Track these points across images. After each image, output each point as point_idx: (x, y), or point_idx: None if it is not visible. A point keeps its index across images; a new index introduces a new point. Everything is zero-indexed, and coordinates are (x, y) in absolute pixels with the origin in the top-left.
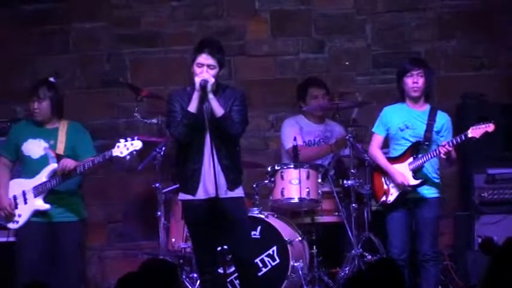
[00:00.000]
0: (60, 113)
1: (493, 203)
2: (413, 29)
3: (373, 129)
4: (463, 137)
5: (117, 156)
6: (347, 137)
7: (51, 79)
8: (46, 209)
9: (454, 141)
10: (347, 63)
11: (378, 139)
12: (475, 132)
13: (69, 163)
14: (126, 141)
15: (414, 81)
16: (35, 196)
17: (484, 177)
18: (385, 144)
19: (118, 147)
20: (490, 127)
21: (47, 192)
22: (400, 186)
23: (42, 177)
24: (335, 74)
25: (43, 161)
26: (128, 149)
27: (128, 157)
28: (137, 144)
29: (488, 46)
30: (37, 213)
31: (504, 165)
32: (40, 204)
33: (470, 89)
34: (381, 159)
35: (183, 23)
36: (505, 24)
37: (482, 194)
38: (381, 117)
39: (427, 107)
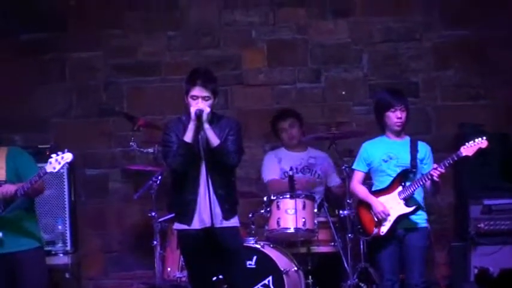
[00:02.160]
0: None
1: (489, 233)
2: (410, 59)
3: (353, 166)
4: (455, 157)
5: (51, 172)
6: (343, 167)
7: None
8: None
9: (447, 163)
10: (343, 93)
11: (358, 175)
12: (467, 150)
13: (9, 188)
14: (57, 155)
15: (398, 117)
16: None
17: (480, 207)
18: (369, 176)
19: (50, 163)
20: (483, 143)
21: None
22: (380, 215)
23: None
24: (331, 104)
25: None
26: (59, 163)
27: (62, 170)
28: (68, 157)
29: (484, 76)
30: None
31: (500, 196)
32: None
33: (467, 118)
34: (361, 192)
35: (180, 52)
36: (502, 54)
37: (479, 225)
38: (361, 153)
39: (407, 138)
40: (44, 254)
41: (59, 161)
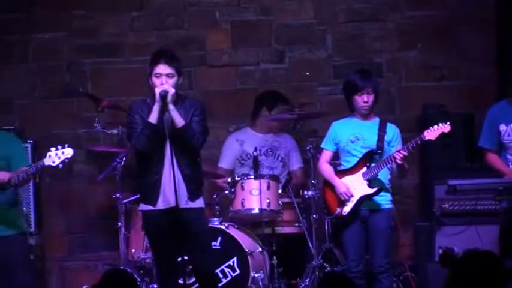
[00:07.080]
0: None
1: (454, 214)
2: (374, 39)
3: (321, 145)
4: (418, 141)
5: (49, 166)
6: (307, 148)
7: None
8: None
9: (410, 146)
10: (307, 73)
11: (326, 154)
12: (430, 134)
13: (2, 175)
14: (57, 149)
15: (365, 101)
16: None
17: (445, 188)
18: (336, 156)
19: (49, 156)
20: (446, 128)
21: None
22: (342, 196)
23: None
24: (295, 85)
25: None
26: (59, 157)
27: (61, 165)
28: (68, 152)
29: (449, 57)
30: None
31: (465, 176)
32: None
33: (431, 99)
34: (326, 172)
35: (144, 33)
36: (466, 35)
37: (443, 205)
38: (330, 133)
39: (376, 119)
40: (26, 239)
41: (58, 155)
